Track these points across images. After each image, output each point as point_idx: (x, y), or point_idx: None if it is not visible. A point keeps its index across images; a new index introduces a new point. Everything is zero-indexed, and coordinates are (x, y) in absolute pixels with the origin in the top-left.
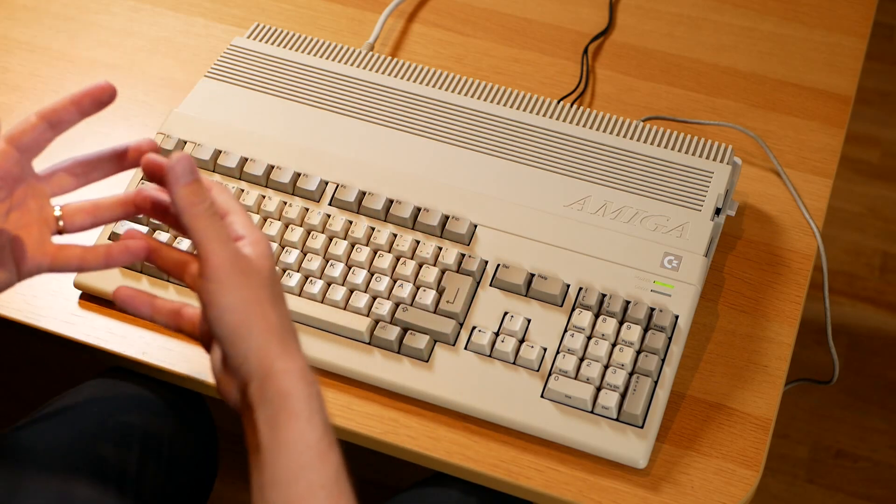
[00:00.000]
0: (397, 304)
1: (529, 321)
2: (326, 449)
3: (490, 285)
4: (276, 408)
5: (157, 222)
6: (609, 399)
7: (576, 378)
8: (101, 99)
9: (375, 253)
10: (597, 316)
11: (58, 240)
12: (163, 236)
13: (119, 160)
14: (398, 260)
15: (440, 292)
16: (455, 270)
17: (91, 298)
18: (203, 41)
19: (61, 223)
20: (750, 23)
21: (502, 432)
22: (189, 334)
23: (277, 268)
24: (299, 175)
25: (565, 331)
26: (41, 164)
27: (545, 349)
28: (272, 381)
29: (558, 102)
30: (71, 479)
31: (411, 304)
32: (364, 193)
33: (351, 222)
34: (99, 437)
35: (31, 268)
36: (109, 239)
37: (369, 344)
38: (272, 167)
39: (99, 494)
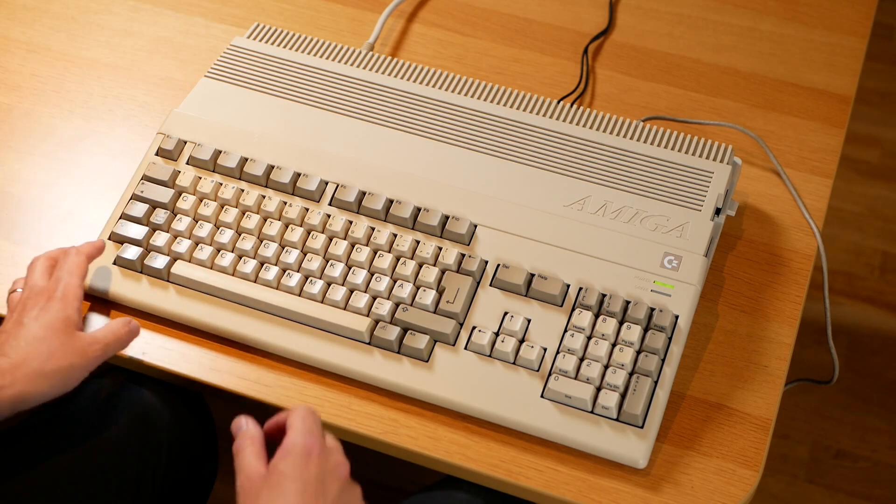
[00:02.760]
0: (397, 304)
1: (529, 321)
2: None
3: (490, 285)
4: None
5: (156, 222)
6: (609, 399)
7: (576, 378)
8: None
9: (375, 253)
10: (597, 316)
11: None
12: None
13: None
14: (398, 260)
15: (440, 292)
16: (455, 270)
17: (91, 299)
18: (203, 41)
19: None
20: (750, 23)
21: (502, 432)
22: None
23: (277, 267)
24: (299, 175)
25: (565, 331)
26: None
27: (545, 349)
28: None
29: (558, 102)
30: (70, 479)
31: (411, 304)
32: (364, 193)
33: (351, 222)
34: (98, 437)
35: None
36: (110, 238)
37: (369, 344)
38: (272, 167)
39: (98, 494)
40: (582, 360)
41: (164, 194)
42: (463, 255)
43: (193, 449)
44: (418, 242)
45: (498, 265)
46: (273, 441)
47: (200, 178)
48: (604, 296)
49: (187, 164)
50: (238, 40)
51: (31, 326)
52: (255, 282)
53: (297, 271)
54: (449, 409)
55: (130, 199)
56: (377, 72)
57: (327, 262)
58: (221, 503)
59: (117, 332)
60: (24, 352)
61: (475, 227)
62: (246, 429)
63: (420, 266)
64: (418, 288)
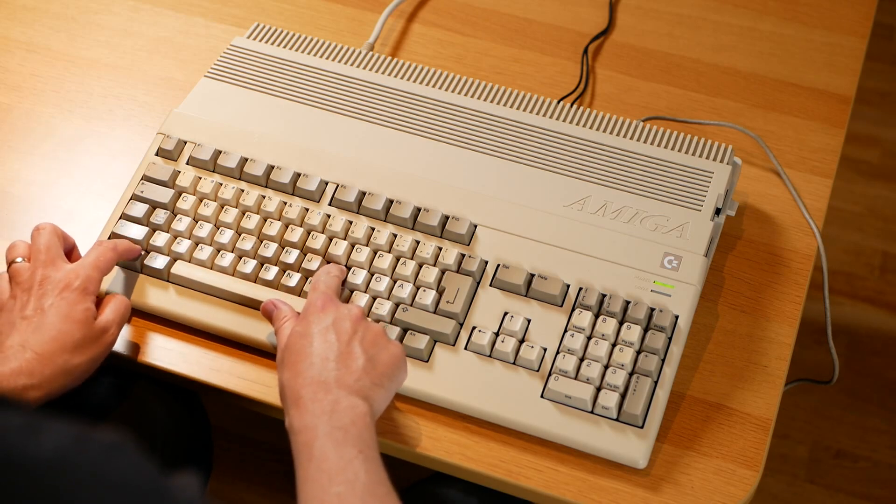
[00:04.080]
0: (397, 305)
1: (529, 321)
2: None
3: (490, 285)
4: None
5: (156, 222)
6: (609, 399)
7: (576, 378)
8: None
9: (375, 253)
10: (597, 316)
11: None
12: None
13: None
14: (398, 260)
15: (440, 292)
16: (455, 270)
17: None
18: (203, 41)
19: None
20: (750, 23)
21: (502, 432)
22: None
23: (277, 267)
24: (299, 175)
25: (565, 331)
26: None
27: (545, 349)
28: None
29: (558, 102)
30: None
31: (411, 305)
32: (364, 193)
33: (351, 222)
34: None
35: None
36: (109, 239)
37: None
38: (272, 167)
39: None
40: (582, 360)
41: (164, 194)
42: (463, 255)
43: (188, 447)
44: (418, 243)
45: (498, 265)
46: None
47: (200, 178)
48: (604, 296)
49: (187, 164)
50: (238, 40)
51: (51, 315)
52: (255, 282)
53: (297, 271)
54: (449, 409)
55: (130, 199)
56: (377, 72)
57: (327, 262)
58: (218, 501)
59: (122, 309)
60: (50, 347)
61: (475, 227)
62: (278, 310)
63: (420, 266)
64: (418, 288)
